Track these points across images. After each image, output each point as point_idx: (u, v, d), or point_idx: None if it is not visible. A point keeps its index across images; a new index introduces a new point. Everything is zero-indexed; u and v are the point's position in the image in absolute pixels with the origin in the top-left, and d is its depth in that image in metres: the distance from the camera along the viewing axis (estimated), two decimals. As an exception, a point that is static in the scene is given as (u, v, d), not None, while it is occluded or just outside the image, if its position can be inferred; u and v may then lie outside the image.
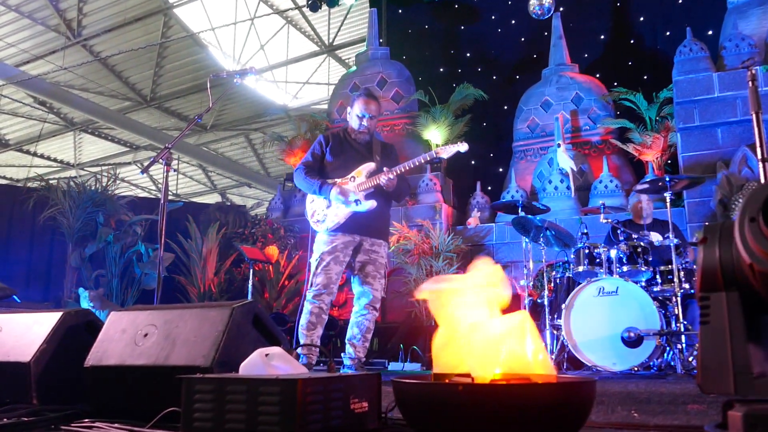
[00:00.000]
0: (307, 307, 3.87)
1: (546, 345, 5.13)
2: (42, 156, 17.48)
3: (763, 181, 2.46)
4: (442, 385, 1.38)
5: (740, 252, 1.20)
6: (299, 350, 3.90)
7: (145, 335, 2.08)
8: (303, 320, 3.86)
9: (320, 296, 3.85)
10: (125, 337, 2.11)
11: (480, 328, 1.46)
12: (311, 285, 3.89)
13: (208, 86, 3.72)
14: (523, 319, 1.46)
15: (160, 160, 3.44)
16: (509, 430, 1.31)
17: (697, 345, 4.66)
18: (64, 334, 2.29)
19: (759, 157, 2.37)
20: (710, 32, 7.97)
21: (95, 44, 13.35)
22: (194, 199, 18.63)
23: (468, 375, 1.42)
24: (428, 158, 3.92)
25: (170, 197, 16.86)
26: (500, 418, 1.30)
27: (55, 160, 17.84)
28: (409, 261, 7.79)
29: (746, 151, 6.57)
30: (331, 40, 14.36)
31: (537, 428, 1.32)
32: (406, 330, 6.97)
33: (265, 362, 1.76)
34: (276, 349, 1.85)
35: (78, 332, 2.34)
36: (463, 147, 3.88)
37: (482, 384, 1.36)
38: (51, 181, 8.57)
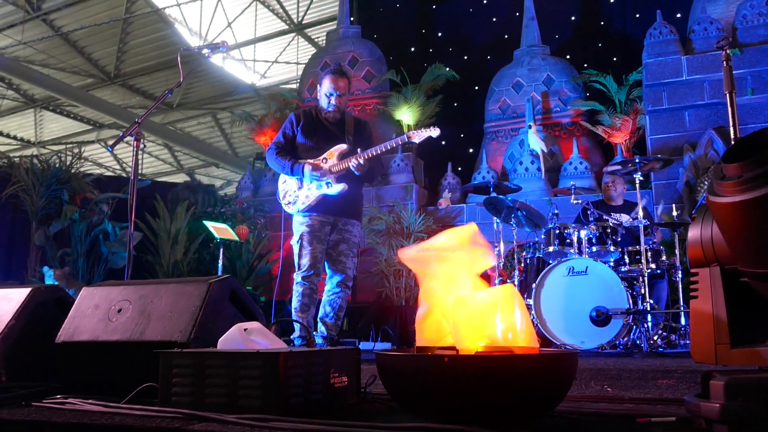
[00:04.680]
0: (298, 289, 3.86)
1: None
2: (0, 134, 16.99)
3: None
4: (428, 357, 1.38)
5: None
6: (292, 336, 3.90)
7: (119, 311, 2.04)
8: (295, 302, 3.86)
9: (309, 277, 3.85)
10: (98, 313, 2.07)
11: (465, 302, 1.46)
12: (298, 267, 3.88)
13: (179, 61, 3.62)
14: (508, 292, 1.46)
15: (130, 135, 3.35)
16: (493, 402, 1.31)
17: (662, 323, 4.78)
18: (34, 310, 2.23)
19: (732, 136, 2.40)
20: (678, 15, 8.07)
21: (56, 18, 12.95)
22: (160, 179, 18.29)
23: (453, 348, 1.42)
24: (400, 142, 3.91)
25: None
26: (485, 390, 1.30)
27: (14, 138, 17.35)
28: (380, 241, 7.80)
29: (712, 134, 6.69)
30: (300, 19, 14.16)
31: (521, 399, 1.33)
32: (376, 310, 6.99)
33: (245, 337, 1.75)
34: (255, 324, 1.84)
35: (47, 308, 2.29)
36: (435, 132, 3.87)
37: (467, 355, 1.36)
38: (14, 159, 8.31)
